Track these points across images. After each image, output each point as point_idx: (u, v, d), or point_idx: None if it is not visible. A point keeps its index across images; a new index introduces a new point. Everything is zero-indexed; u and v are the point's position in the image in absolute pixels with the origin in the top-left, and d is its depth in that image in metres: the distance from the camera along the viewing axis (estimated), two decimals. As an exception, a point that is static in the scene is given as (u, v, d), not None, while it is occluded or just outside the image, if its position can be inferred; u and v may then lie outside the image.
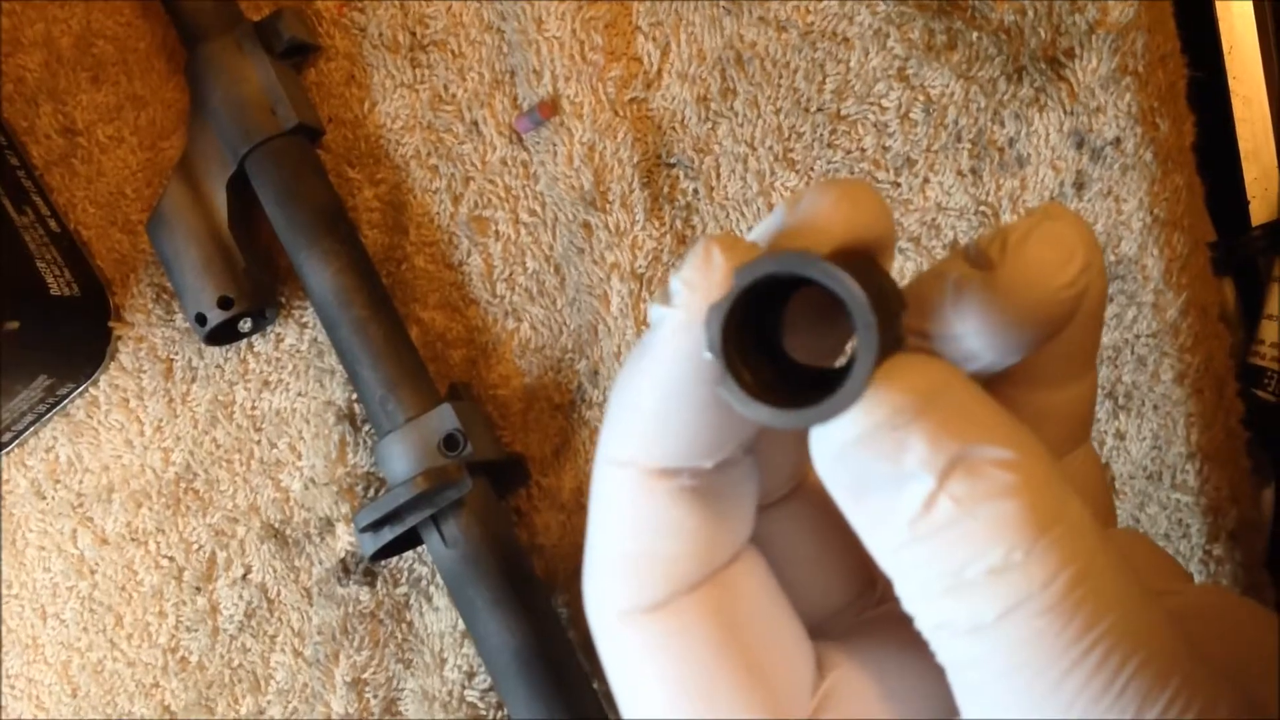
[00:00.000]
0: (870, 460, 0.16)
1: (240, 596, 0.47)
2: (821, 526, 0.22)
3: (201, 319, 0.45)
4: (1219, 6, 0.53)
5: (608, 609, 0.19)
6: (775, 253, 0.16)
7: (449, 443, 0.43)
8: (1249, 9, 0.53)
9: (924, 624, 0.17)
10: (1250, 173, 0.56)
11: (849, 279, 0.15)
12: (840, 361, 0.19)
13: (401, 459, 0.42)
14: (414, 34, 0.47)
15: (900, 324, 0.17)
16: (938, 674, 0.18)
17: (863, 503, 0.17)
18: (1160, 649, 0.16)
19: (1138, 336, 0.41)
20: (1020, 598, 0.15)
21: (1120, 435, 0.41)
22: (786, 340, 0.18)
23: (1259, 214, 0.55)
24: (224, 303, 0.45)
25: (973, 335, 0.18)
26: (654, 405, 0.18)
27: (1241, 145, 0.55)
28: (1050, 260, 0.18)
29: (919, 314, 0.19)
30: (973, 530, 0.15)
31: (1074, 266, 0.18)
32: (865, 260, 0.18)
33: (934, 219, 0.43)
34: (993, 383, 0.20)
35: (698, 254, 0.17)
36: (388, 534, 0.42)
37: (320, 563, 0.46)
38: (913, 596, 0.17)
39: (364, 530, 0.42)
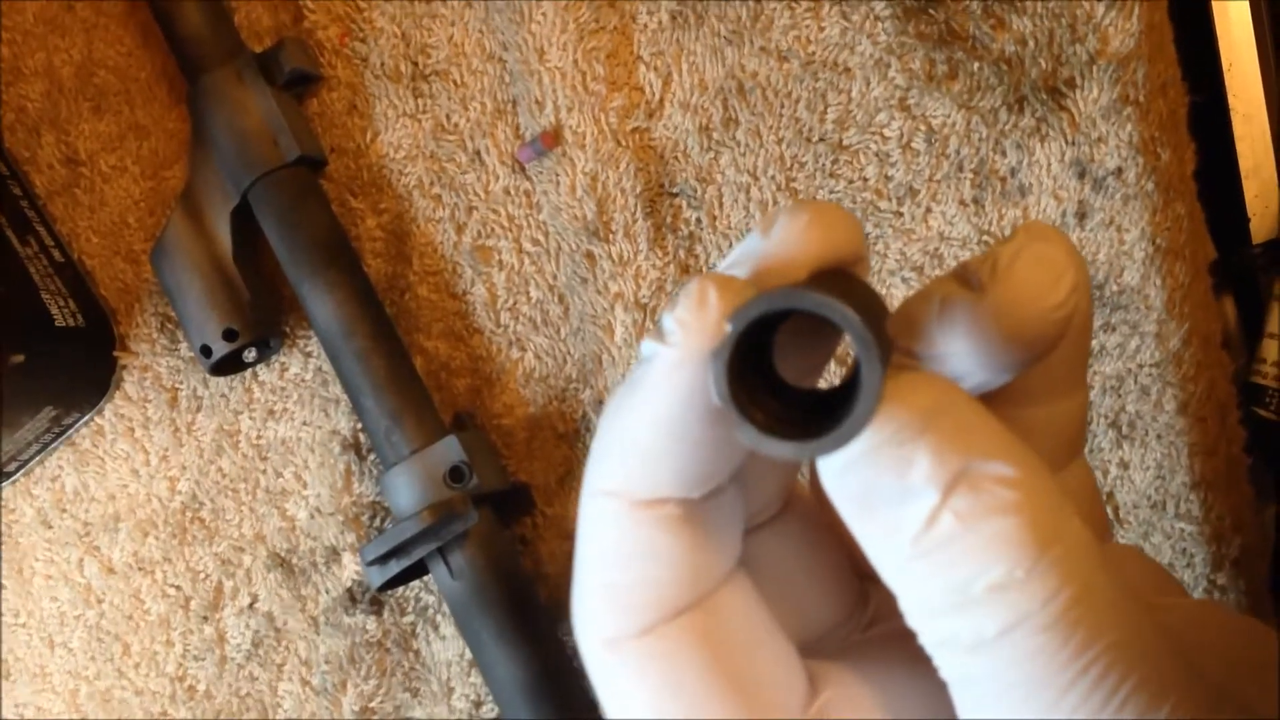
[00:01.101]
0: (876, 475, 0.17)
1: (247, 625, 0.47)
2: (810, 545, 0.22)
3: (207, 351, 0.45)
4: (1218, 25, 0.53)
5: (596, 637, 0.19)
6: (769, 292, 0.16)
7: (454, 475, 0.43)
8: (1249, 28, 0.53)
9: (927, 640, 0.17)
10: (1250, 190, 0.56)
11: (845, 308, 0.15)
12: (820, 380, 0.20)
13: (408, 491, 0.43)
14: (416, 64, 0.47)
15: (886, 331, 0.18)
16: (935, 693, 0.18)
17: (868, 517, 0.17)
18: (1158, 667, 0.16)
19: (1140, 366, 0.41)
20: (1021, 615, 0.16)
21: (1124, 465, 0.41)
22: (777, 364, 0.19)
23: (1259, 232, 0.55)
24: (229, 335, 0.45)
25: (962, 355, 0.19)
26: (646, 440, 0.18)
27: (1242, 163, 0.55)
28: (1040, 282, 0.18)
29: (908, 334, 0.19)
30: (975, 546, 0.16)
31: (1064, 287, 0.18)
32: (844, 277, 0.19)
33: (937, 248, 0.43)
34: (984, 401, 0.20)
35: (691, 294, 0.17)
36: (395, 566, 0.42)
37: (327, 592, 0.46)
38: (916, 612, 0.17)
39: (371, 563, 0.42)
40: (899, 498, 0.16)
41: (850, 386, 0.18)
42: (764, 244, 0.18)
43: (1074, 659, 0.16)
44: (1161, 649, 0.16)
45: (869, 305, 0.17)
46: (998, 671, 0.16)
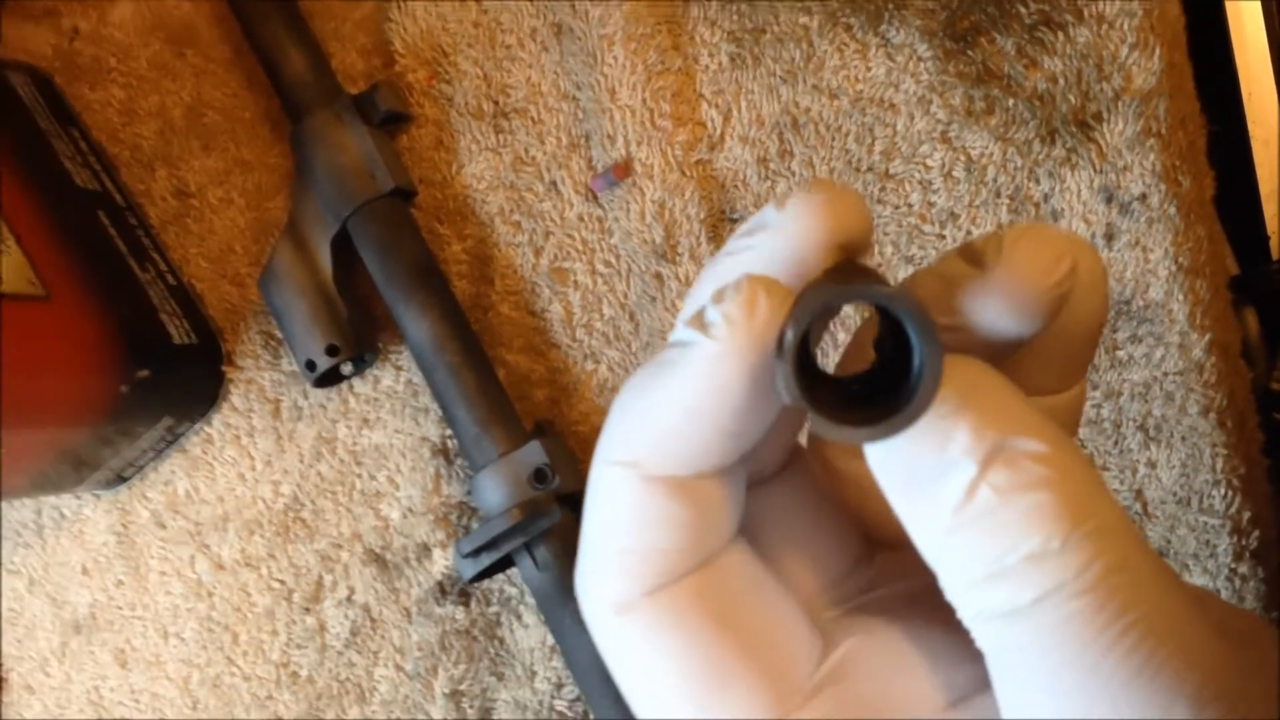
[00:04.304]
0: (917, 450, 0.17)
1: (346, 616, 0.51)
2: (812, 498, 0.23)
3: (311, 365, 0.50)
4: (1238, 57, 0.57)
5: (605, 602, 0.19)
6: (831, 288, 0.17)
7: (538, 476, 0.47)
8: (1267, 62, 0.57)
9: (965, 611, 0.18)
10: (1270, 210, 0.60)
11: (908, 300, 0.17)
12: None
13: (496, 492, 0.47)
14: (496, 103, 0.51)
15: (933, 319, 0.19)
16: (953, 651, 0.19)
17: (910, 490, 0.18)
18: (1191, 642, 0.17)
19: (1166, 374, 0.45)
20: (1057, 583, 0.16)
21: (1152, 464, 0.45)
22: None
23: (1279, 249, 0.59)
24: (331, 350, 0.49)
25: (965, 329, 0.19)
26: (671, 421, 0.19)
27: (1261, 186, 0.59)
28: (1041, 258, 0.19)
29: None
30: (1012, 518, 0.17)
31: (1063, 266, 0.19)
32: (864, 268, 0.20)
33: (976, 267, 0.47)
34: None
35: (743, 293, 0.18)
36: (486, 559, 0.46)
37: (419, 584, 0.51)
38: (956, 582, 0.18)
39: (465, 556, 0.46)
40: (939, 471, 0.17)
41: (885, 369, 0.19)
42: (779, 216, 0.19)
43: (1107, 627, 0.16)
44: (1197, 625, 0.17)
45: (914, 295, 0.18)
46: (1034, 639, 0.17)
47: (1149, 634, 0.16)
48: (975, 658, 0.18)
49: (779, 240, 0.19)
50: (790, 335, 0.17)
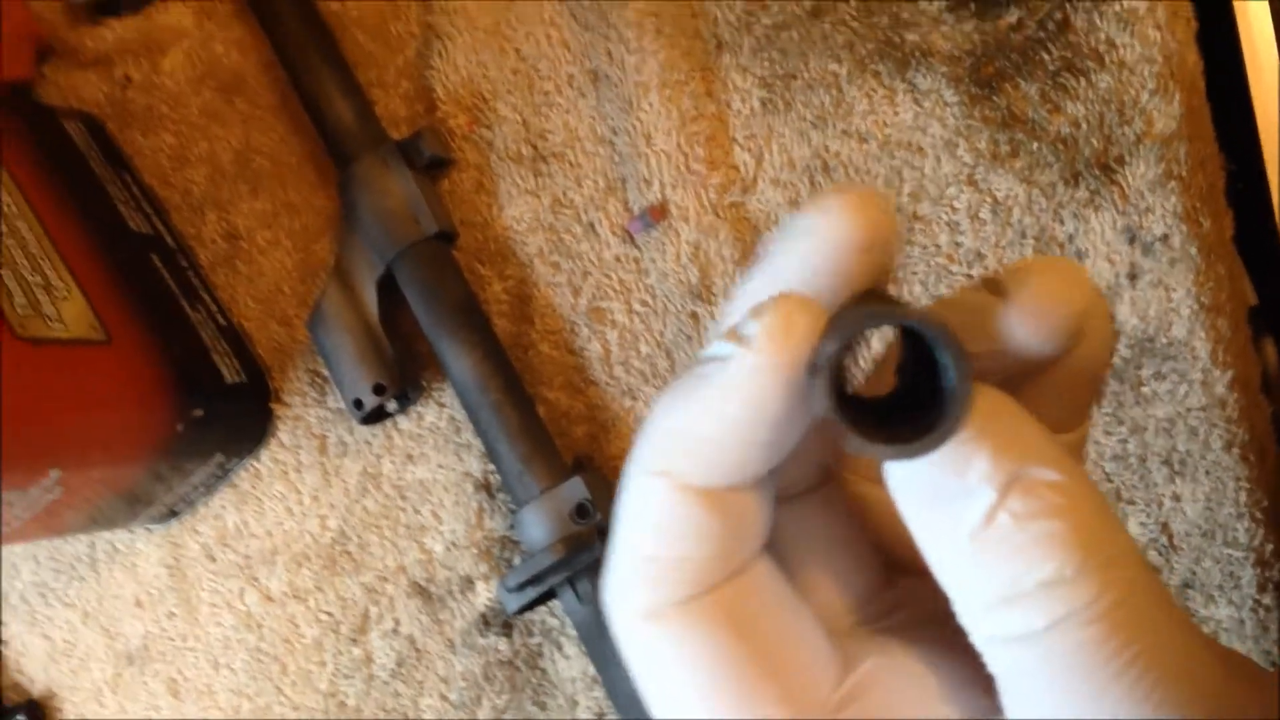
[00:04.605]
0: (937, 473, 0.18)
1: (391, 647, 0.53)
2: (839, 519, 0.23)
3: (359, 404, 0.51)
4: (1255, 100, 0.58)
5: (634, 609, 0.20)
6: (866, 310, 0.18)
7: (580, 511, 0.49)
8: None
9: (978, 635, 0.18)
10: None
11: (940, 324, 0.17)
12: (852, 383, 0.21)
13: (539, 527, 0.49)
14: (535, 147, 0.53)
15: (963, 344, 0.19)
16: (962, 677, 0.20)
17: (928, 513, 0.18)
18: (1196, 674, 0.17)
19: (1189, 409, 0.46)
20: (1069, 610, 0.17)
21: (1177, 497, 0.47)
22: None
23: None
24: (378, 389, 0.51)
25: (983, 357, 0.20)
26: (707, 432, 0.19)
27: (1279, 220, 0.60)
28: (1060, 291, 0.20)
29: None
30: (1028, 544, 0.17)
31: (1080, 299, 0.20)
32: (889, 297, 0.21)
33: (1003, 306, 0.49)
34: None
35: (782, 309, 0.18)
36: (530, 593, 0.48)
37: (462, 616, 0.52)
38: (970, 606, 0.18)
39: (510, 591, 0.48)
40: (958, 495, 0.18)
41: (906, 393, 0.20)
42: (808, 221, 0.20)
43: (1116, 655, 0.17)
44: (1202, 656, 0.18)
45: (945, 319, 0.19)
46: (1045, 664, 0.17)
47: (1154, 664, 0.17)
48: (989, 682, 0.19)
49: (810, 244, 0.20)
50: (827, 349, 0.18)
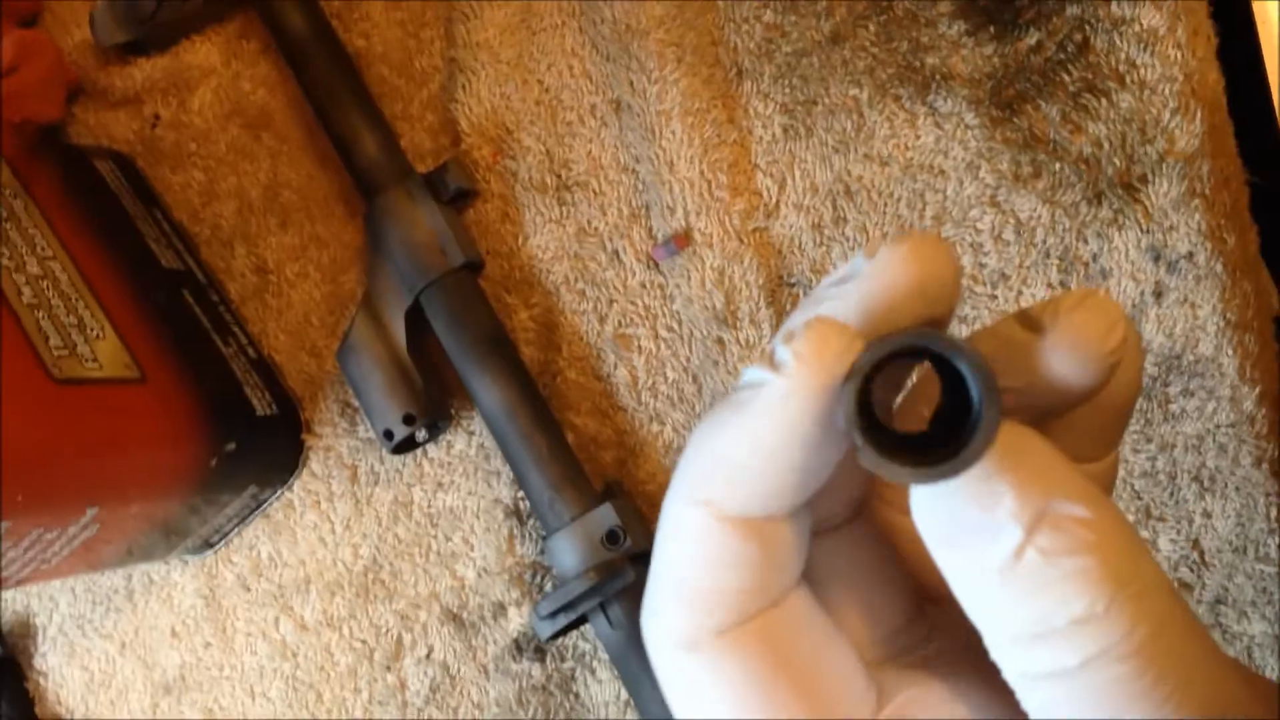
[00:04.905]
0: (963, 508, 0.18)
1: (425, 674, 0.53)
2: (875, 551, 0.23)
3: (389, 434, 0.52)
4: (1279, 112, 0.58)
5: (672, 637, 0.20)
6: (900, 332, 0.18)
7: (611, 538, 0.49)
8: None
9: (1010, 670, 0.18)
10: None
11: (972, 352, 0.17)
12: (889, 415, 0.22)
13: (571, 554, 0.49)
14: (559, 176, 0.54)
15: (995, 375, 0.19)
16: (1002, 710, 0.20)
17: (955, 547, 0.18)
18: (1229, 705, 0.17)
19: (1218, 426, 0.46)
20: (1102, 647, 0.17)
21: (1207, 514, 0.47)
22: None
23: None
24: (408, 419, 0.52)
25: (1017, 392, 0.20)
26: (745, 460, 0.19)
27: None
28: (1097, 327, 0.19)
29: None
30: (1058, 580, 0.17)
31: (1116, 335, 0.20)
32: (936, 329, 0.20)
33: (1028, 326, 0.49)
34: None
35: (815, 332, 0.18)
36: (563, 620, 0.48)
37: (495, 642, 0.53)
38: (1001, 642, 0.18)
39: (543, 618, 0.48)
40: (984, 529, 0.18)
41: (940, 429, 0.20)
42: (868, 265, 0.20)
43: (1151, 690, 0.17)
44: (1238, 688, 0.18)
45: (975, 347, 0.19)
46: (1079, 700, 0.17)
47: (1189, 699, 0.17)
48: (1024, 716, 0.19)
49: (865, 287, 0.20)
50: (855, 367, 0.18)
